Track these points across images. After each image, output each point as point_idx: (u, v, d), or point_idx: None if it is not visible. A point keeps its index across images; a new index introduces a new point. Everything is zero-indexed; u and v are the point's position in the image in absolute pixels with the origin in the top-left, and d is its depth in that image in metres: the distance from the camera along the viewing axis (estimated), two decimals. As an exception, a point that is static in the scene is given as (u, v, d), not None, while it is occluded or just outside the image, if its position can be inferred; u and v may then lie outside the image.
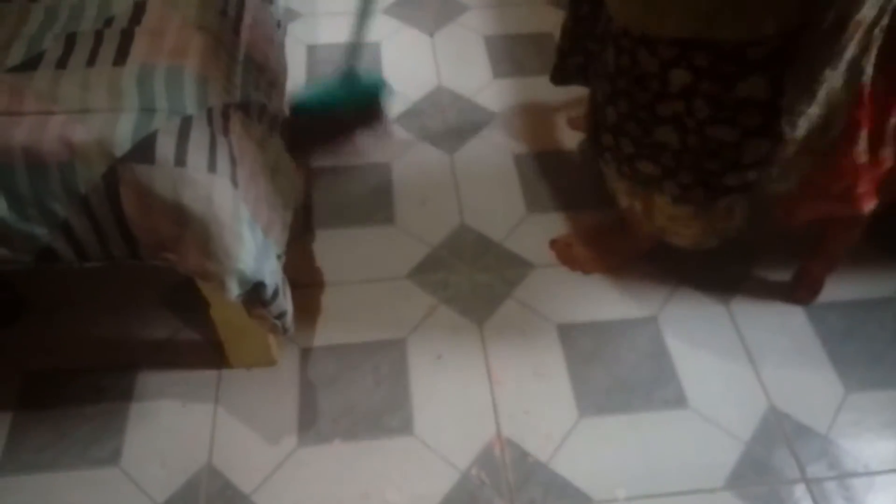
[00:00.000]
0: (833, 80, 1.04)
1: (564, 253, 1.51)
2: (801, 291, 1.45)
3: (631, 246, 1.47)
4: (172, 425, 1.26)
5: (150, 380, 1.32)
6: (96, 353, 1.35)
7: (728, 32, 0.99)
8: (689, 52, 1.02)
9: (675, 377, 1.34)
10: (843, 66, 1.02)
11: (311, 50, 1.98)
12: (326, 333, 1.39)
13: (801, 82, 1.03)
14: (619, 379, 1.33)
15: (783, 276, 1.47)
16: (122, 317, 1.41)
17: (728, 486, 1.20)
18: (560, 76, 1.53)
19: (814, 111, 1.07)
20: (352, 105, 1.45)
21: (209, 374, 1.33)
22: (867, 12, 0.97)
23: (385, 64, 1.95)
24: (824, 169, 1.16)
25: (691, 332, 1.40)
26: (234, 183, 1.00)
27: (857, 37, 0.99)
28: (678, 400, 1.31)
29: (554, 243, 1.53)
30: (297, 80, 1.87)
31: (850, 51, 1.01)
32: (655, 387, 1.32)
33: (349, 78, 1.41)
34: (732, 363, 1.36)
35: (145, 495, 1.18)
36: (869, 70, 1.05)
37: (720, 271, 1.49)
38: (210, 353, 1.34)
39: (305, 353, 1.36)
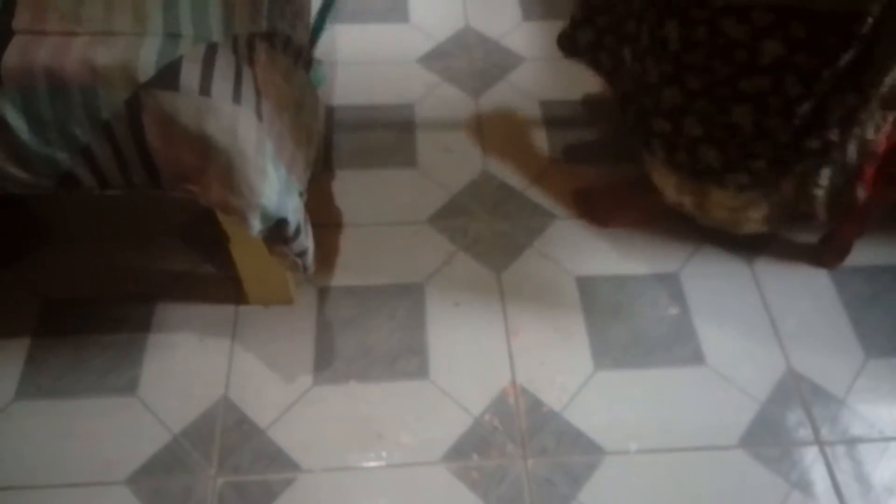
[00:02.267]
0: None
1: (586, 205, 1.49)
2: (827, 254, 1.42)
3: (654, 204, 1.44)
4: (189, 358, 1.27)
5: (168, 312, 1.32)
6: (115, 283, 1.35)
7: (828, 3, 0.92)
8: (785, 21, 0.95)
9: (693, 334, 1.33)
10: None
11: (336, -16, 1.92)
12: (345, 275, 1.39)
13: (893, 46, 0.97)
14: (637, 333, 1.32)
15: (810, 238, 1.45)
16: (141, 248, 1.40)
17: (741, 445, 1.20)
18: (568, 45, 1.40)
19: None
20: None
21: (227, 310, 1.33)
22: None
23: (411, 0, 1.89)
24: None
25: (713, 290, 1.39)
26: (259, 116, 0.97)
27: None
28: (696, 357, 1.30)
29: (577, 194, 1.50)
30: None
31: None
32: (674, 343, 1.31)
33: None
34: (753, 323, 1.35)
35: (162, 424, 1.19)
36: None
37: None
38: (228, 288, 1.34)
39: (323, 294, 1.36)
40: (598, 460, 1.18)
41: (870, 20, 0.94)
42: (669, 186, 1.24)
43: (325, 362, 1.27)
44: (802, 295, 1.39)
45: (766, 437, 1.21)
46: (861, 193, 1.19)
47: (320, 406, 1.23)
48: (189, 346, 1.28)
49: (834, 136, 1.09)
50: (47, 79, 0.90)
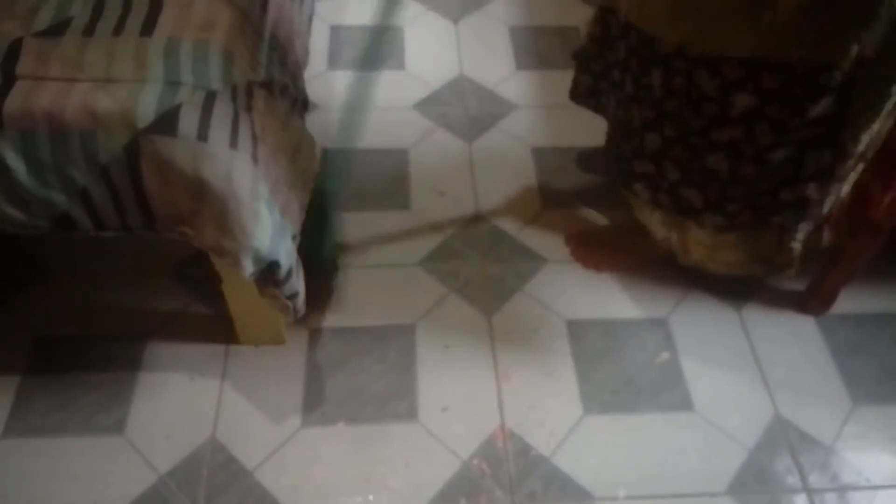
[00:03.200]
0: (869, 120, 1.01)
1: (579, 250, 1.51)
2: (814, 301, 1.44)
3: (645, 249, 1.46)
4: (179, 398, 1.27)
5: (158, 351, 1.32)
6: (107, 321, 1.36)
7: (804, 53, 0.94)
8: (756, 74, 0.97)
9: (682, 380, 1.33)
10: None
11: (335, 30, 1.97)
12: (336, 316, 1.40)
13: (870, 102, 1.00)
14: (626, 378, 1.33)
15: (797, 285, 1.46)
16: (134, 287, 1.41)
17: (730, 492, 1.20)
18: (573, 92, 1.49)
19: (876, 126, 1.04)
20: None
21: (217, 349, 1.33)
22: None
23: (407, 48, 1.94)
24: (873, 178, 1.13)
25: (701, 336, 1.40)
26: (255, 160, 0.99)
27: None
28: (684, 403, 1.30)
29: (569, 239, 1.53)
30: (319, 60, 1.87)
31: None
32: (662, 389, 1.32)
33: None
34: (741, 369, 1.35)
35: (149, 465, 1.19)
36: None
37: (733, 277, 1.48)
38: (219, 328, 1.35)
39: (314, 334, 1.37)
40: (586, 507, 1.18)
41: (837, 73, 0.97)
42: (656, 223, 1.26)
43: (315, 403, 1.27)
44: (790, 342, 1.40)
45: (755, 484, 1.21)
46: (827, 238, 1.21)
47: (309, 448, 1.22)
48: (178, 386, 1.28)
49: (812, 191, 1.11)
50: (48, 123, 0.93)
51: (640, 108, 1.16)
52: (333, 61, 1.89)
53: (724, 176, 1.09)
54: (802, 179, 1.09)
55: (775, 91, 0.98)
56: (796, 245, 1.18)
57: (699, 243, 1.20)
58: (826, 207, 1.14)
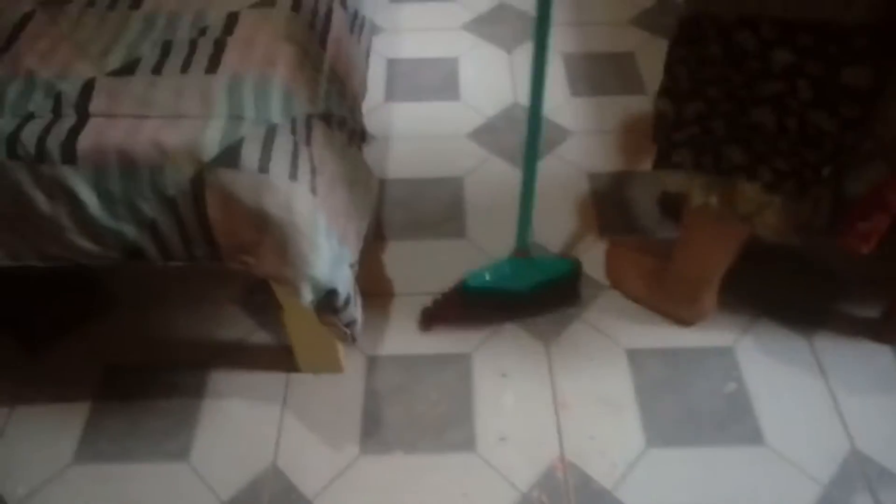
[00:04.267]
0: None
1: (606, 262, 1.50)
2: (889, 329, 1.37)
3: (663, 271, 1.40)
4: (241, 425, 1.29)
5: (221, 379, 1.35)
6: (172, 349, 1.40)
7: (821, 11, 0.95)
8: (791, 33, 0.99)
9: (750, 411, 1.28)
10: None
11: (392, 63, 2.01)
12: (393, 343, 1.40)
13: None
14: (691, 410, 1.29)
15: (870, 312, 1.40)
16: (198, 316, 1.45)
17: (804, 531, 1.14)
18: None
19: None
20: (535, 289, 1.40)
21: (278, 377, 1.35)
22: None
23: (462, 78, 1.96)
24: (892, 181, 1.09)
25: (770, 365, 1.35)
26: (314, 191, 1.01)
27: None
28: (753, 436, 1.25)
29: (606, 252, 1.52)
30: (376, 92, 1.91)
31: None
32: (729, 420, 1.27)
33: (528, 262, 1.38)
34: (813, 401, 1.30)
35: (211, 492, 1.21)
36: None
37: (803, 304, 1.43)
38: (280, 356, 1.37)
39: (372, 362, 1.37)
40: (650, 542, 1.14)
41: (861, 39, 0.95)
42: (696, 188, 1.23)
43: (373, 431, 1.28)
44: (864, 371, 1.33)
45: (831, 522, 1.15)
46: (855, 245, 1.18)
47: (366, 477, 1.22)
48: (241, 414, 1.31)
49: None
50: (119, 158, 0.97)
51: (677, 82, 1.16)
52: (391, 94, 1.92)
53: (771, 128, 1.08)
54: (836, 155, 1.07)
55: (811, 49, 0.99)
56: (824, 216, 1.16)
57: (749, 200, 1.18)
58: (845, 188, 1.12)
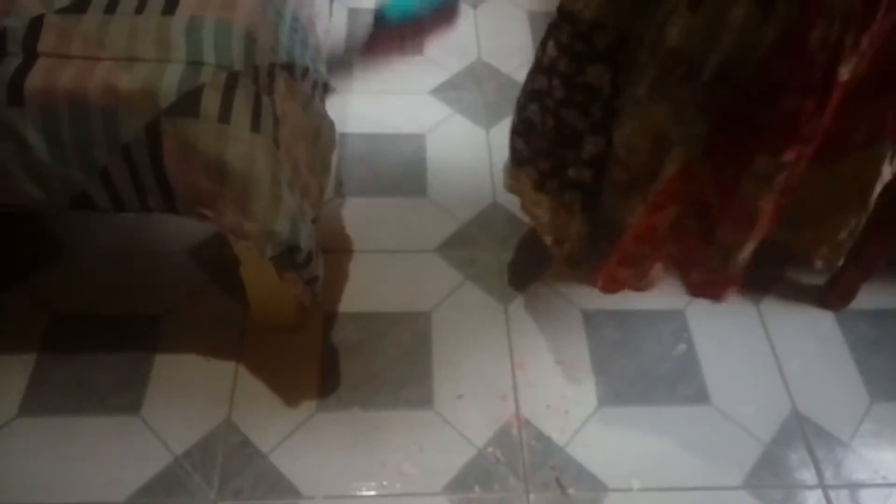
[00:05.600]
0: (648, 107, 0.96)
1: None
2: (833, 296, 1.42)
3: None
4: (194, 379, 1.27)
5: (175, 332, 1.32)
6: (125, 301, 1.36)
7: (572, 4, 0.95)
8: (558, 24, 0.99)
9: (698, 372, 1.33)
10: (646, 88, 0.94)
11: (353, 13, 1.95)
12: (352, 301, 1.39)
13: (625, 90, 0.97)
14: (642, 369, 1.32)
15: (816, 279, 1.45)
16: (152, 267, 1.41)
17: (744, 486, 1.19)
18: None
19: (633, 135, 0.99)
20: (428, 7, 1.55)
21: (233, 332, 1.33)
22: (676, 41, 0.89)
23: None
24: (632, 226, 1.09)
25: (718, 328, 1.39)
26: (277, 143, 0.99)
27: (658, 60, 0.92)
28: (700, 395, 1.30)
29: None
30: (337, 43, 1.85)
31: (651, 70, 0.93)
32: (678, 380, 1.31)
33: None
34: (758, 363, 1.35)
35: (164, 446, 1.19)
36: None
37: (752, 271, 1.47)
38: (236, 310, 1.35)
39: (330, 319, 1.36)
40: (600, 497, 1.17)
41: (602, 35, 0.94)
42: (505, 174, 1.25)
43: (330, 388, 1.27)
44: (808, 336, 1.39)
45: (770, 478, 1.21)
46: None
47: (323, 432, 1.22)
48: (194, 368, 1.29)
49: (586, 176, 1.08)
50: (69, 101, 0.92)
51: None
52: (351, 45, 1.87)
53: (538, 127, 1.09)
54: (583, 161, 1.07)
55: (565, 45, 0.98)
56: (574, 227, 1.16)
57: (527, 197, 1.20)
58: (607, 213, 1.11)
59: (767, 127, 0.92)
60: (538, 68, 1.05)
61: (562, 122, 1.05)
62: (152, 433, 1.21)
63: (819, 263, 1.15)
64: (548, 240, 1.22)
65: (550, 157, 1.11)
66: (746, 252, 1.08)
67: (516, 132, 1.16)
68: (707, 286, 1.17)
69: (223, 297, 1.37)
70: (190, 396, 1.25)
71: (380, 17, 1.56)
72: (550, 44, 1.01)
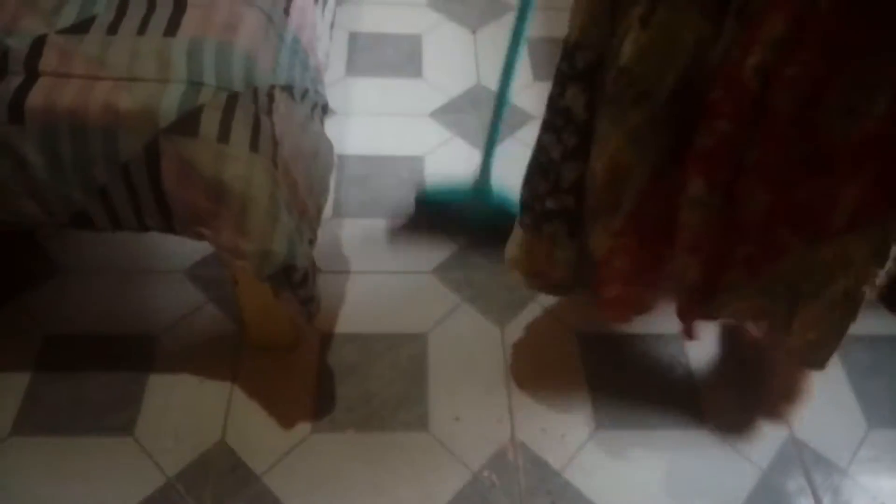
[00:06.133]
0: (609, 130, 0.95)
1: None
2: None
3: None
4: (189, 399, 1.26)
5: (169, 352, 1.32)
6: (118, 320, 1.35)
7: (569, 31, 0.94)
8: (560, 55, 0.98)
9: (695, 396, 1.32)
10: (606, 110, 0.93)
11: (353, 37, 1.97)
12: (348, 322, 1.39)
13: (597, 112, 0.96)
14: (639, 393, 1.32)
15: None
16: (146, 286, 1.41)
17: (742, 512, 1.18)
18: None
19: (595, 159, 0.98)
20: (481, 216, 1.50)
21: (228, 352, 1.33)
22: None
23: (425, 56, 1.94)
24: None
25: (714, 353, 1.38)
26: (275, 163, 0.99)
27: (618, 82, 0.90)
28: (697, 420, 1.29)
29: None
30: (337, 66, 1.87)
31: (610, 89, 0.92)
32: (674, 404, 1.31)
33: (483, 188, 1.47)
34: (755, 388, 1.34)
35: (157, 467, 1.18)
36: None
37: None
38: (230, 330, 1.34)
39: (326, 339, 1.36)
40: (596, 523, 1.16)
41: (581, 56, 0.92)
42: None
43: (325, 409, 1.27)
44: (805, 361, 1.39)
45: (768, 505, 1.20)
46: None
47: (318, 454, 1.21)
48: (188, 387, 1.28)
49: (569, 202, 1.05)
50: (69, 120, 0.93)
51: None
52: (352, 68, 1.89)
53: (531, 160, 1.08)
54: (563, 190, 1.04)
55: (556, 69, 0.97)
56: (560, 256, 1.12)
57: (513, 239, 1.18)
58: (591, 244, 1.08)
59: (702, 149, 0.91)
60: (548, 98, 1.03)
61: (539, 149, 1.04)
62: (146, 454, 1.19)
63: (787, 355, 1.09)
64: (516, 275, 1.20)
65: (527, 187, 1.09)
66: (692, 273, 1.03)
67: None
68: (681, 314, 1.14)
69: (218, 317, 1.37)
70: (184, 417, 1.24)
71: (421, 200, 1.53)
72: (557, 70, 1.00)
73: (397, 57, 1.93)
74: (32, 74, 0.94)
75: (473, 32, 2.03)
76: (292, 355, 1.33)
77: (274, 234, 0.98)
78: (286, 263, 1.01)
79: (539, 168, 1.06)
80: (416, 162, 1.68)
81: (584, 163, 1.00)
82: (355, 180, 1.62)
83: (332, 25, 1.46)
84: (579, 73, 0.94)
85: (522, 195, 1.11)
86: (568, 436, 1.26)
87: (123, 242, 1.46)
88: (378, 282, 1.46)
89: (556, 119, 1.00)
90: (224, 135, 0.94)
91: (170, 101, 0.93)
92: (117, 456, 1.19)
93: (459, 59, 1.94)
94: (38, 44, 0.97)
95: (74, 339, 1.33)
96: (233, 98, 0.96)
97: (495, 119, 1.39)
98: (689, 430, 1.28)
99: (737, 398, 1.32)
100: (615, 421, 1.28)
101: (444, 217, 1.52)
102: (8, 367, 1.28)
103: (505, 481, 1.20)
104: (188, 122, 0.93)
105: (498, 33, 2.03)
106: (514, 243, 1.18)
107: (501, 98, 1.36)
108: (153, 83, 0.95)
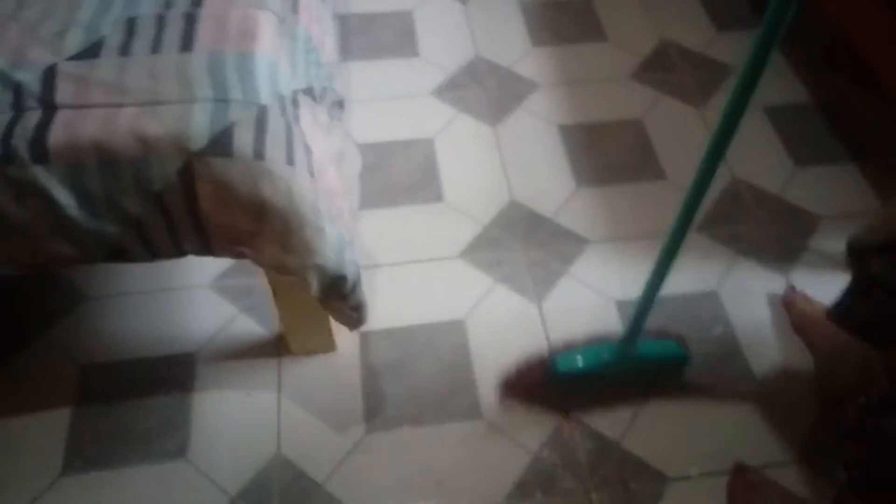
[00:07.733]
0: None
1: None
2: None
3: None
4: (237, 415, 1.24)
5: (209, 368, 1.29)
6: (152, 342, 1.32)
7: None
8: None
9: (740, 354, 1.33)
10: None
11: (343, 20, 1.91)
12: (383, 317, 1.37)
13: None
14: (684, 355, 1.32)
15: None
16: (174, 305, 1.38)
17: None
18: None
19: None
20: (627, 374, 1.26)
21: (269, 362, 1.31)
22: None
23: (418, 33, 1.89)
24: None
25: (754, 307, 1.39)
26: (311, 173, 0.96)
27: None
28: (745, 377, 1.30)
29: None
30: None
31: None
32: (721, 363, 1.31)
33: (632, 348, 1.21)
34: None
35: (217, 488, 1.17)
36: None
37: (779, 243, 1.47)
38: (267, 338, 1.32)
39: (364, 338, 1.34)
40: (662, 489, 1.17)
41: None
42: None
43: (376, 408, 1.26)
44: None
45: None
46: None
47: (376, 455, 1.21)
48: (236, 403, 1.26)
49: None
50: (96, 153, 0.88)
51: None
52: (346, 53, 1.83)
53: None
54: None
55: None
56: None
57: None
58: None
59: None
60: None
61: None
62: (203, 476, 1.18)
63: None
64: None
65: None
66: None
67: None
68: None
69: (253, 327, 1.35)
70: (236, 432, 1.23)
71: (553, 373, 1.23)
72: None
73: (391, 37, 1.87)
74: (49, 109, 0.89)
75: (463, 3, 1.98)
76: (334, 357, 1.31)
77: (322, 247, 0.96)
78: (336, 274, 0.98)
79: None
80: (426, 144, 1.64)
81: None
82: (368, 169, 1.58)
83: (333, 14, 1.40)
84: None
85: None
86: (621, 406, 1.26)
87: (141, 264, 1.41)
88: (407, 272, 1.43)
89: None
90: (259, 151, 0.90)
91: (199, 123, 0.89)
92: (174, 481, 1.17)
93: (454, 32, 1.89)
94: (49, 75, 0.92)
95: (110, 367, 1.30)
96: (262, 111, 0.92)
97: (661, 269, 1.09)
98: (737, 389, 1.28)
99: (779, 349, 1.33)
100: (663, 386, 1.28)
101: (579, 388, 1.26)
102: (47, 405, 1.24)
103: (566, 458, 1.20)
104: (221, 142, 0.89)
105: (489, 1, 1.98)
106: None
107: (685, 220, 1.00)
108: (178, 104, 0.90)
